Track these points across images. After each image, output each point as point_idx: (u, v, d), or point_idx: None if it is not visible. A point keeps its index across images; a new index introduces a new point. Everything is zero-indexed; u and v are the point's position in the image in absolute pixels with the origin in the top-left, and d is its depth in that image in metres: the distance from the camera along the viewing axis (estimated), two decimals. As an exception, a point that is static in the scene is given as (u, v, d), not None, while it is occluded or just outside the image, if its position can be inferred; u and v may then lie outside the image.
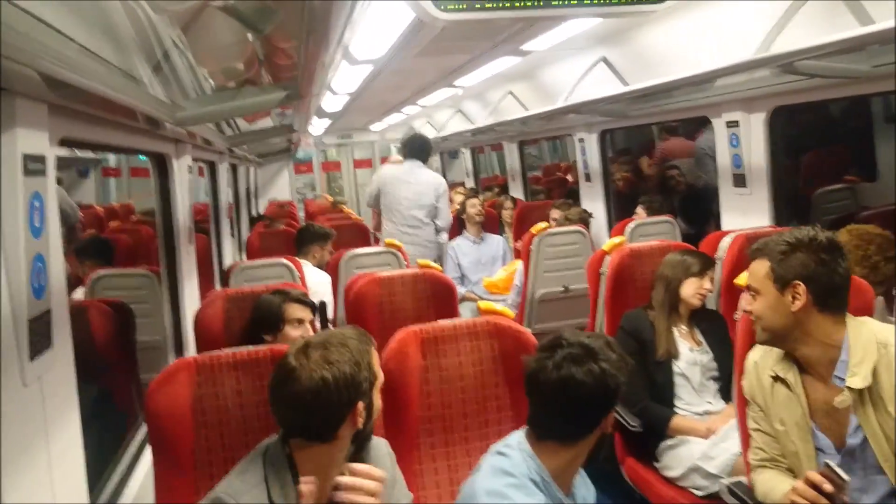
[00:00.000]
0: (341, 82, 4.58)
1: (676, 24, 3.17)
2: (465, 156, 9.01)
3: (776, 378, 1.82)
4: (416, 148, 5.09)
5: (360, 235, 5.37)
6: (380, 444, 1.69)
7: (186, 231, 3.13)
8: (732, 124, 3.53)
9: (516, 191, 7.11)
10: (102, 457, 2.24)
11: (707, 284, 2.70)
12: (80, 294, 3.28)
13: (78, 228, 5.36)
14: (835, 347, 1.74)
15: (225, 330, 2.57)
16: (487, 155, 10.50)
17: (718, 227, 3.84)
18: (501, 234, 5.66)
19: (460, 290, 4.45)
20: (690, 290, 2.69)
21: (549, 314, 4.04)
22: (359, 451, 1.60)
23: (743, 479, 2.02)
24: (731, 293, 2.87)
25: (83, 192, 7.12)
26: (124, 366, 2.96)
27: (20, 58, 1.04)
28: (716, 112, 3.65)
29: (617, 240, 3.15)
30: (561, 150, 10.14)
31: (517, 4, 2.19)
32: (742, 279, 2.07)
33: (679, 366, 2.64)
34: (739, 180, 3.57)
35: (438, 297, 2.91)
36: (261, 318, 2.45)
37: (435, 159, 10.57)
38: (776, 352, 1.84)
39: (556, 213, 4.75)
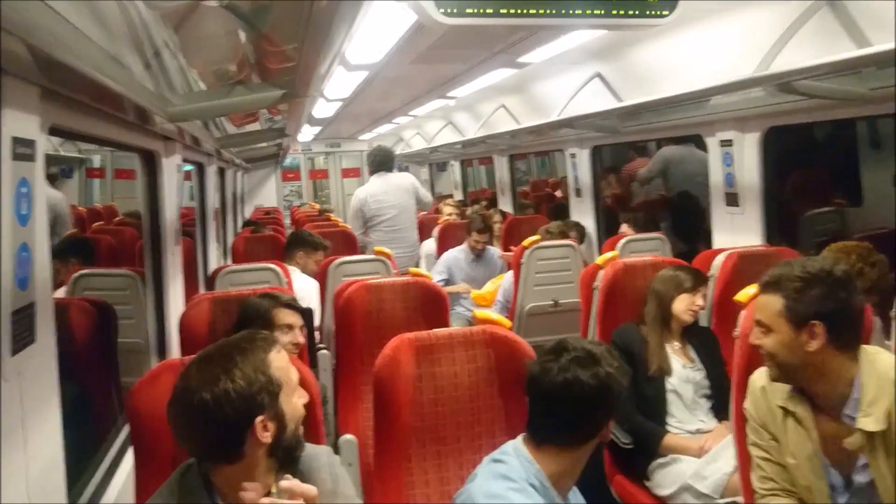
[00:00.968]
0: (335, 88, 4.54)
1: (674, 42, 3.17)
2: (455, 168, 9.01)
3: (786, 411, 1.76)
4: (380, 161, 5.68)
5: (348, 243, 5.31)
6: (318, 454, 1.55)
7: (173, 232, 3.07)
8: (726, 143, 3.54)
9: (505, 204, 7.10)
10: (81, 457, 2.17)
11: (699, 301, 2.69)
12: (61, 293, 3.20)
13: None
14: (846, 384, 1.67)
15: (210, 333, 2.50)
16: (476, 168, 10.51)
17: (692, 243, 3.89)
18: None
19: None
20: (682, 305, 2.67)
21: (538, 328, 4.01)
22: (289, 464, 1.45)
23: (738, 499, 1.99)
24: (722, 310, 2.86)
25: (66, 194, 7.00)
26: (104, 366, 2.88)
27: (12, 29, 0.99)
28: (710, 131, 3.66)
29: (610, 254, 3.14)
30: (549, 165, 10.18)
31: (520, 12, 2.18)
32: (742, 296, 2.05)
33: (671, 382, 2.61)
34: (732, 199, 3.58)
35: (429, 305, 2.86)
36: (248, 321, 2.39)
37: (423, 170, 10.57)
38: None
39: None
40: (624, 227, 4.60)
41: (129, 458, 2.04)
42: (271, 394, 1.35)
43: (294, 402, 1.42)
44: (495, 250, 5.16)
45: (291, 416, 1.41)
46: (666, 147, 5.76)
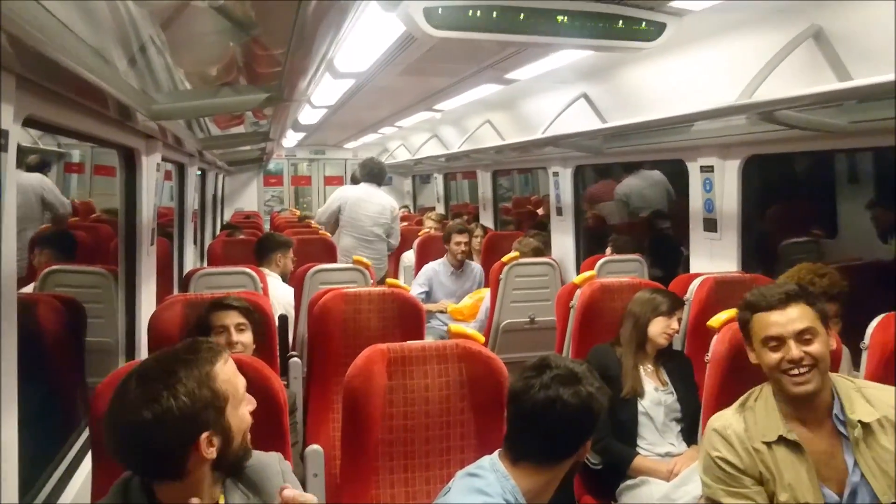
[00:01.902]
0: (321, 95, 4.53)
1: (660, 66, 3.21)
2: (438, 181, 9.01)
3: (777, 442, 1.74)
4: (375, 173, 5.81)
5: (327, 250, 5.28)
6: (269, 462, 1.49)
7: (149, 231, 3.03)
8: (707, 169, 3.58)
9: (487, 219, 7.11)
10: (40, 459, 2.11)
11: (675, 324, 2.70)
12: (29, 289, 3.14)
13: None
14: (829, 387, 1.78)
15: (179, 335, 2.46)
16: (459, 182, 10.53)
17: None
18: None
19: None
20: (658, 328, 2.68)
21: (513, 344, 4.00)
22: (235, 474, 1.41)
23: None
24: (697, 334, 2.87)
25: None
26: (71, 366, 2.82)
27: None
28: (691, 156, 3.70)
29: (588, 273, 3.14)
30: (532, 183, 10.23)
31: (509, 29, 2.19)
32: (715, 321, 2.07)
33: (643, 405, 2.61)
34: (710, 225, 3.61)
35: (405, 316, 2.84)
36: (195, 325, 2.39)
37: (407, 182, 10.57)
38: (768, 416, 1.77)
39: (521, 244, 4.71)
40: (608, 249, 4.64)
41: (88, 461, 1.99)
42: (217, 409, 1.29)
43: (240, 414, 1.36)
44: (476, 265, 5.16)
45: (238, 428, 1.35)
46: (622, 184, 6.08)
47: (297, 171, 11.63)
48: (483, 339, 2.10)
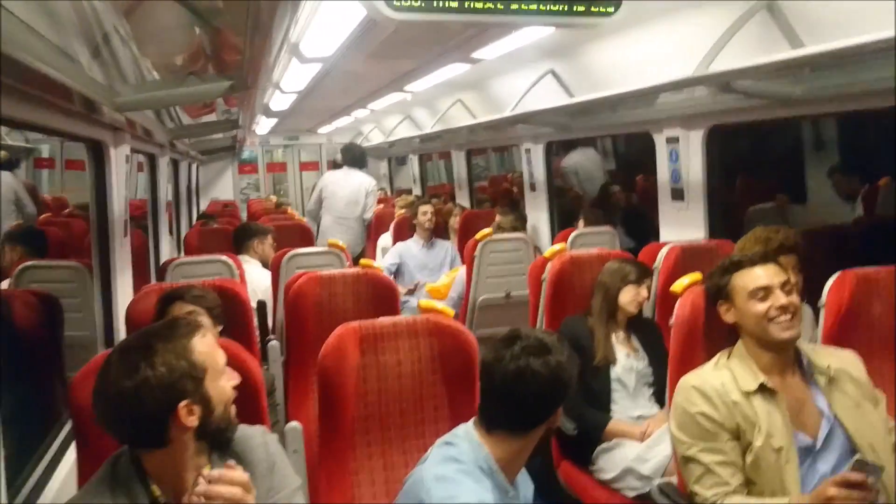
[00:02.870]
0: (290, 80, 4.53)
1: (623, 41, 3.25)
2: (413, 162, 9.02)
3: (755, 392, 1.82)
4: (355, 156, 6.43)
5: (303, 236, 5.30)
6: (253, 434, 1.55)
7: (121, 223, 3.04)
8: (672, 140, 3.64)
9: (463, 199, 7.15)
10: (23, 455, 2.14)
11: (644, 292, 2.77)
12: (4, 285, 3.14)
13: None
14: None
15: (157, 324, 2.49)
16: (435, 163, 10.54)
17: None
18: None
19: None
20: (627, 297, 2.75)
21: (490, 320, 4.06)
22: (221, 447, 1.47)
23: (673, 479, 2.07)
24: (666, 302, 2.94)
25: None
26: (49, 361, 2.83)
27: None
28: (657, 128, 3.76)
29: (558, 246, 3.20)
30: (507, 161, 10.27)
31: (467, 7, 2.21)
32: (678, 286, 2.14)
33: (616, 371, 2.69)
34: (678, 194, 3.68)
35: (380, 297, 2.89)
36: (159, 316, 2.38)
37: (383, 165, 10.55)
38: (745, 369, 1.85)
39: (500, 219, 4.79)
40: (580, 222, 4.70)
41: (71, 453, 2.02)
42: (195, 379, 1.36)
43: (221, 385, 1.43)
44: (448, 242, 5.26)
45: (219, 399, 1.41)
46: (568, 157, 6.72)
47: (272, 157, 11.56)
48: (452, 312, 2.15)
